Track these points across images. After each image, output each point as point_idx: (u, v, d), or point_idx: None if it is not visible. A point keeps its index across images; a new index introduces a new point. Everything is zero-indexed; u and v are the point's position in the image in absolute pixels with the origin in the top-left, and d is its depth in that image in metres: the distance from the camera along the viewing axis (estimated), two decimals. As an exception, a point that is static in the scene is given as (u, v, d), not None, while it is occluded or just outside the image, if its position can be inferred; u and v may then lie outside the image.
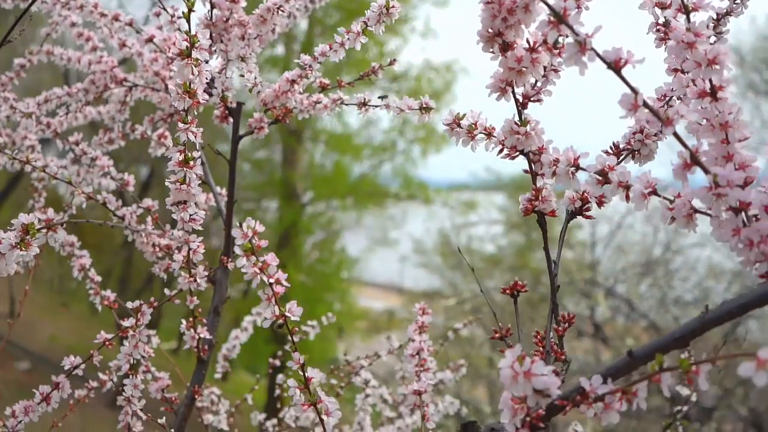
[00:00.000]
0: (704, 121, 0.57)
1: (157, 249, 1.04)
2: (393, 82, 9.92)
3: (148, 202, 1.07)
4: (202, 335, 0.99)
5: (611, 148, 0.70)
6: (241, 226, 0.62)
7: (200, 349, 1.00)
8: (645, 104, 0.52)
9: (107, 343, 0.93)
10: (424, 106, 0.85)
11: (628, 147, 0.70)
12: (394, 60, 1.01)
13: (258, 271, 0.63)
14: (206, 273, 0.93)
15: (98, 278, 1.12)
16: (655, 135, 0.69)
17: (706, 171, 0.52)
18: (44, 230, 0.68)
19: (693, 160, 0.53)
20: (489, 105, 0.68)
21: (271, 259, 0.64)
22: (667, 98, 0.70)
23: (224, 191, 1.12)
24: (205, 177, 1.10)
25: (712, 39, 0.74)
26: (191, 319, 0.98)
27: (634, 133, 0.70)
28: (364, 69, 1.03)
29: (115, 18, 1.11)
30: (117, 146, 1.22)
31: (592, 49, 0.51)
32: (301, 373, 0.66)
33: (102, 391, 1.13)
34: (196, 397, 1.01)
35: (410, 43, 11.19)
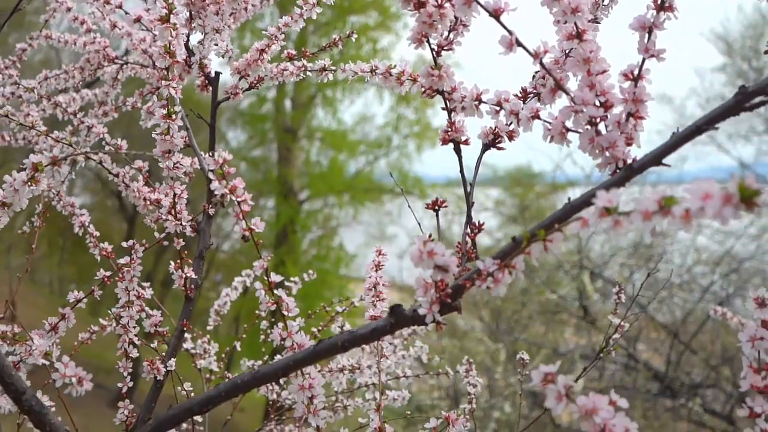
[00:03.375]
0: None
1: (148, 203, 1.18)
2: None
3: (139, 163, 1.21)
4: (188, 275, 1.13)
5: (520, 91, 0.85)
6: (212, 154, 0.76)
7: (187, 288, 1.15)
8: (518, 42, 0.66)
9: (106, 279, 1.08)
10: (373, 69, 0.99)
11: (534, 90, 0.84)
12: (352, 32, 1.16)
13: (228, 192, 0.77)
14: (190, 218, 1.08)
15: (97, 233, 1.26)
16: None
17: (567, 93, 0.67)
18: (50, 166, 0.83)
19: (557, 86, 0.67)
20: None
21: (239, 182, 0.78)
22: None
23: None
24: (190, 141, 1.24)
25: (606, 1, 0.89)
26: (178, 260, 1.13)
27: (537, 78, 0.84)
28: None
29: (107, 2, 1.25)
30: (110, 118, 1.37)
31: (477, 1, 0.66)
32: (266, 278, 0.81)
33: (104, 334, 1.28)
34: (185, 329, 1.15)
35: (403, 40, 11.34)
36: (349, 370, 1.27)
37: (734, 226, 8.11)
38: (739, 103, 0.61)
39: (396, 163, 12.03)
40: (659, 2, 0.68)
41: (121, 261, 1.06)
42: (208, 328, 1.56)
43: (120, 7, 1.25)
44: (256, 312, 1.64)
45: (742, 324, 1.79)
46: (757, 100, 0.61)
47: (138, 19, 1.20)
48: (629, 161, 0.66)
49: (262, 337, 1.44)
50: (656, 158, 0.63)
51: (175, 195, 1.03)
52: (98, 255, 1.23)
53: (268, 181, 11.79)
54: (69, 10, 1.34)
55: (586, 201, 0.65)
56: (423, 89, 0.79)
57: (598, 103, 0.68)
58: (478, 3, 0.65)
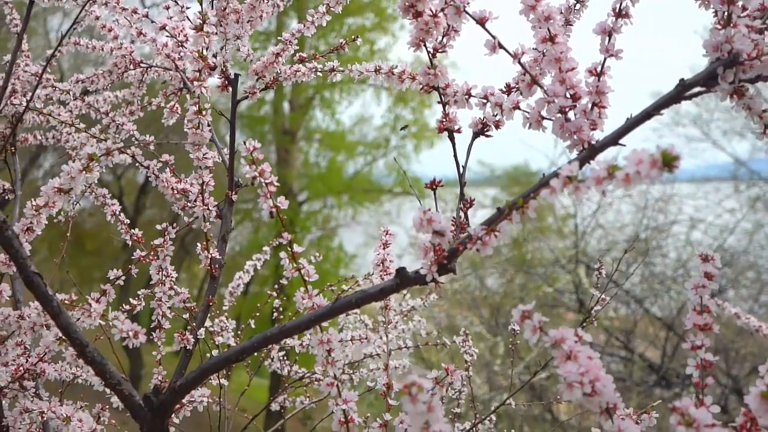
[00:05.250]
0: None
1: (175, 192, 1.31)
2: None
3: (165, 156, 1.35)
4: (213, 255, 1.27)
5: (505, 86, 0.98)
6: (244, 143, 0.90)
7: (212, 267, 1.28)
8: (500, 45, 0.80)
9: (142, 258, 1.21)
10: (377, 68, 1.13)
11: (517, 85, 0.98)
12: (357, 36, 1.29)
13: (258, 174, 0.91)
14: (216, 203, 1.21)
15: (127, 221, 1.40)
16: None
17: (541, 87, 0.80)
18: (104, 156, 0.96)
19: (533, 81, 0.81)
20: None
21: (267, 167, 0.92)
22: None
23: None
24: (212, 136, 1.38)
25: (578, 6, 1.02)
26: (204, 242, 1.26)
27: (520, 74, 0.98)
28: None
29: (134, 11, 1.39)
30: (137, 117, 1.50)
31: (465, 11, 0.79)
32: (290, 249, 0.94)
33: (133, 314, 1.41)
34: (210, 304, 1.28)
35: (400, 41, 11.50)
36: (358, 340, 1.40)
37: (728, 221, 8.26)
38: (680, 93, 0.74)
39: (394, 164, 12.16)
40: (617, 10, 0.81)
41: (156, 242, 1.19)
42: (224, 308, 1.69)
43: (146, 16, 1.39)
44: (268, 291, 1.78)
45: (737, 316, 1.87)
46: (695, 90, 0.75)
47: (163, 27, 1.33)
48: (593, 143, 0.80)
49: (275, 314, 1.57)
50: (613, 139, 0.76)
51: (203, 183, 1.17)
52: (129, 240, 1.37)
53: (267, 182, 11.87)
54: (98, 18, 1.48)
55: (554, 174, 0.79)
56: (421, 86, 0.92)
57: (567, 95, 0.81)
58: (467, 13, 0.79)
